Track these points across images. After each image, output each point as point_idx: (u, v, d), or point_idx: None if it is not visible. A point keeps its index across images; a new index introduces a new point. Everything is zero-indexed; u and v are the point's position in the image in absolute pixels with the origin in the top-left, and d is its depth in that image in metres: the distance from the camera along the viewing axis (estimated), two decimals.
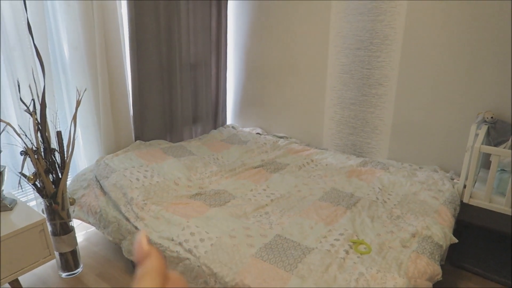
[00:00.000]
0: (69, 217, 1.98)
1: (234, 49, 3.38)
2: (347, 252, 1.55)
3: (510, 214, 1.96)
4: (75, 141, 1.94)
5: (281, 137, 3.17)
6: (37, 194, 2.05)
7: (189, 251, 1.60)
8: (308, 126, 3.13)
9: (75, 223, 2.38)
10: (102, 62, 2.36)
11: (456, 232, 2.13)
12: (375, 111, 2.75)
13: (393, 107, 2.67)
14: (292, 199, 2.05)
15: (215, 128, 3.38)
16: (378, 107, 2.73)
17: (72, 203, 2.14)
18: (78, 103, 1.93)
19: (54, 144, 1.95)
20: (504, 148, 2.18)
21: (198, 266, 1.55)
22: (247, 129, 3.32)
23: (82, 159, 2.54)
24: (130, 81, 2.61)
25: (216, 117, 3.41)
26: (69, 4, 2.22)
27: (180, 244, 1.64)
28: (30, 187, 1.86)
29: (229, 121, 3.60)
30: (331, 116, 2.98)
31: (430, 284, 1.47)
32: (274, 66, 3.19)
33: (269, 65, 3.21)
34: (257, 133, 3.22)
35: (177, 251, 1.62)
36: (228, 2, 3.24)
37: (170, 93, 2.86)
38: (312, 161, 2.63)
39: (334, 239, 1.64)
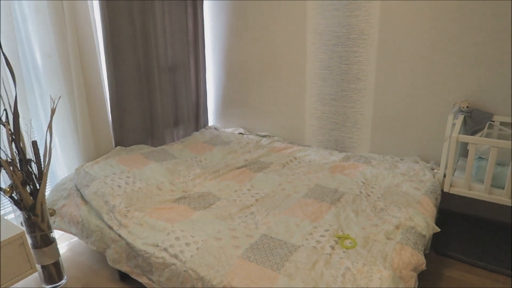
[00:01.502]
0: (49, 229, 1.93)
1: (212, 50, 3.36)
2: (333, 248, 1.56)
3: (509, 205, 1.99)
4: (52, 150, 1.89)
5: (263, 136, 3.16)
6: (15, 207, 1.99)
7: (175, 256, 1.58)
8: (290, 123, 3.14)
9: (57, 234, 2.33)
10: (76, 68, 2.31)
11: (439, 221, 2.17)
12: (355, 105, 2.78)
13: (372, 101, 2.70)
14: (277, 197, 2.05)
15: (197, 130, 3.36)
16: (358, 101, 2.76)
17: (52, 214, 2.08)
18: (53, 111, 1.88)
19: (30, 154, 1.89)
20: (480, 136, 2.23)
21: (185, 270, 1.53)
22: (229, 130, 3.31)
23: (62, 168, 2.48)
24: (107, 86, 2.56)
25: (198, 119, 3.38)
26: (39, 10, 2.16)
27: (165, 249, 1.62)
28: (7, 200, 1.81)
29: (211, 122, 3.57)
30: (312, 112, 2.99)
31: (415, 274, 1.49)
32: (253, 65, 3.18)
33: (249, 64, 3.20)
34: (240, 133, 3.21)
35: (162, 257, 1.60)
36: (204, 2, 3.22)
37: (149, 97, 2.82)
38: (296, 158, 2.64)
39: (320, 236, 1.65)
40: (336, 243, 1.60)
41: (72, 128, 2.40)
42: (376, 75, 2.64)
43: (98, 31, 2.46)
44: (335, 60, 2.76)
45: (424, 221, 1.79)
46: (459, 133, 2.08)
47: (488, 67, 2.27)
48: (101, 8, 2.39)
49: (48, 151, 1.86)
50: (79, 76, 2.33)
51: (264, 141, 2.97)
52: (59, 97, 2.13)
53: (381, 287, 1.34)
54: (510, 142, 1.89)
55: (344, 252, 1.54)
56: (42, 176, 1.85)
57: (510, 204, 1.98)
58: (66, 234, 2.37)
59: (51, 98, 2.05)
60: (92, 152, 2.50)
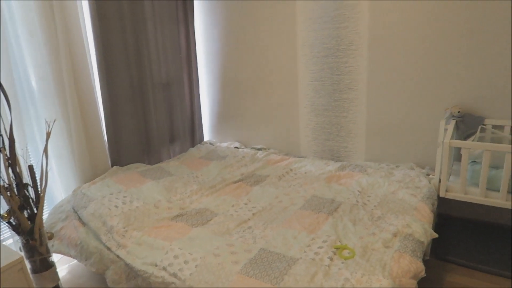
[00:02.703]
0: (48, 252, 1.92)
1: (205, 65, 3.40)
2: (331, 259, 1.56)
3: (505, 207, 2.01)
4: (49, 173, 1.90)
5: (259, 149, 3.18)
6: (13, 232, 1.99)
7: (174, 275, 1.58)
8: (285, 135, 3.16)
9: (56, 257, 2.31)
10: (71, 90, 2.33)
11: (437, 226, 2.18)
12: (348, 115, 2.80)
13: (365, 110, 2.73)
14: (274, 210, 2.06)
15: (192, 146, 3.37)
16: (350, 111, 2.79)
17: (50, 238, 2.08)
18: (48, 134, 1.90)
19: (26, 178, 1.90)
20: (473, 140, 2.26)
21: None
22: (225, 144, 3.32)
23: (59, 190, 2.48)
24: (101, 106, 2.58)
25: (193, 135, 3.40)
26: (32, 34, 2.19)
27: (164, 268, 1.62)
28: (5, 225, 1.80)
29: (206, 137, 3.59)
30: (306, 123, 3.02)
31: (415, 282, 1.49)
32: (246, 79, 3.22)
33: (242, 78, 3.24)
34: (235, 147, 3.23)
35: (162, 276, 1.60)
36: (195, 19, 3.27)
37: (144, 115, 2.85)
38: (292, 170, 2.65)
39: (318, 247, 1.65)
40: (335, 254, 1.60)
41: (68, 150, 2.41)
42: (368, 84, 2.67)
43: (91, 51, 2.50)
44: (326, 71, 2.80)
45: (421, 227, 1.80)
46: (452, 138, 2.11)
47: (478, 72, 2.31)
48: (93, 28, 2.43)
49: (45, 175, 1.87)
50: (73, 97, 2.35)
51: (260, 154, 2.99)
52: (54, 121, 2.15)
53: None
54: (502, 145, 1.91)
55: (342, 263, 1.54)
56: (39, 200, 1.85)
57: (506, 207, 1.99)
58: (65, 257, 2.35)
59: (46, 121, 2.06)
60: (89, 172, 2.51)
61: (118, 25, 2.57)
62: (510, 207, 1.97)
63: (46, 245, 1.91)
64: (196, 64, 3.31)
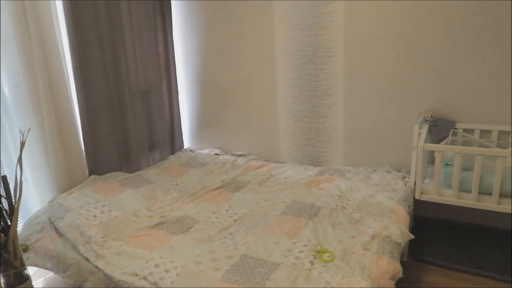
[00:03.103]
0: (23, 266, 1.86)
1: (184, 73, 3.39)
2: (312, 263, 1.58)
3: (476, 207, 2.08)
4: (24, 183, 1.85)
5: (239, 155, 3.19)
6: None
7: (155, 284, 1.56)
8: (265, 141, 3.18)
9: (31, 270, 2.24)
10: (46, 98, 2.29)
11: (414, 228, 2.24)
12: (326, 121, 2.86)
13: (343, 115, 2.79)
14: (255, 216, 2.07)
15: (172, 154, 3.35)
16: (329, 116, 2.84)
17: (25, 250, 2.02)
18: (23, 144, 1.85)
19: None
20: (445, 143, 2.34)
21: None
22: (205, 151, 3.32)
23: (34, 202, 2.42)
24: (78, 115, 2.54)
25: (173, 142, 3.38)
26: (5, 41, 2.14)
27: (144, 278, 1.60)
28: None
29: (186, 144, 3.58)
30: (285, 129, 3.05)
31: (393, 283, 1.53)
32: (226, 86, 3.23)
33: (221, 85, 3.25)
34: (216, 154, 3.23)
35: (142, 286, 1.57)
36: (173, 26, 3.27)
37: (122, 123, 2.81)
38: (272, 176, 2.67)
39: (299, 252, 1.67)
40: (315, 257, 1.63)
41: (43, 160, 2.36)
42: (345, 90, 2.73)
43: (67, 59, 2.46)
44: (305, 77, 2.85)
45: (398, 229, 1.85)
46: (426, 141, 2.18)
47: (449, 78, 2.40)
48: (69, 35, 2.39)
49: (19, 186, 1.82)
50: (49, 106, 2.30)
51: (240, 160, 3.00)
52: (29, 130, 2.10)
53: None
54: (473, 148, 1.99)
55: (323, 266, 1.56)
56: (13, 211, 1.80)
57: (477, 207, 2.06)
58: (41, 270, 2.28)
59: (20, 131, 2.01)
60: (66, 183, 2.45)
61: (94, 32, 2.54)
62: (480, 208, 2.05)
63: (21, 258, 1.85)
64: (175, 71, 3.30)
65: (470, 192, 2.08)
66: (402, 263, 1.67)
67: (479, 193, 2.06)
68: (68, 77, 2.46)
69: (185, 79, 3.41)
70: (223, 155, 3.21)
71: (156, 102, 3.16)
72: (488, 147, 2.25)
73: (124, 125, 2.82)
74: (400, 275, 1.60)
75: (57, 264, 1.93)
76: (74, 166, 2.52)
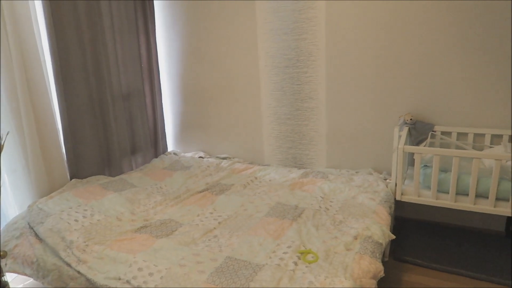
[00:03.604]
0: (1, 272, 1.81)
1: (168, 76, 3.38)
2: (296, 264, 1.60)
3: (454, 208, 2.14)
4: (1, 188, 1.81)
5: (224, 158, 3.19)
6: None
7: (138, 287, 1.55)
8: (249, 144, 3.20)
9: (10, 277, 2.19)
10: (25, 101, 2.24)
11: (395, 228, 2.29)
12: (309, 123, 2.89)
13: (325, 118, 2.84)
14: (240, 218, 2.07)
15: (156, 157, 3.32)
16: (311, 119, 2.88)
17: (3, 256, 1.96)
18: (1, 147, 1.81)
19: None
20: (424, 145, 2.41)
21: None
22: (189, 154, 3.31)
23: (12, 206, 2.36)
24: (59, 118, 2.49)
25: (156, 146, 3.36)
26: None
27: (128, 282, 1.58)
28: None
29: (170, 147, 3.56)
30: (269, 132, 3.08)
31: (375, 282, 1.56)
32: (209, 90, 3.23)
33: (205, 88, 3.25)
34: (200, 157, 3.22)
35: None
36: (156, 29, 3.26)
37: (104, 126, 2.78)
38: (256, 178, 2.69)
39: (283, 253, 1.69)
40: (299, 258, 1.65)
41: (22, 163, 2.30)
42: (327, 93, 2.78)
43: (47, 61, 2.41)
44: (287, 81, 2.88)
45: (380, 229, 1.89)
46: (405, 143, 2.24)
47: (428, 82, 2.48)
48: (49, 37, 2.35)
49: None
50: (28, 108, 2.26)
51: (225, 163, 3.00)
52: (7, 133, 2.05)
53: None
54: (450, 150, 2.06)
55: (306, 267, 1.58)
56: None
57: (454, 207, 2.13)
58: (20, 276, 2.23)
59: None
60: (46, 187, 2.40)
61: (74, 35, 2.51)
62: (457, 208, 2.12)
63: None
64: (158, 74, 3.28)
65: (448, 193, 2.14)
66: (384, 262, 1.71)
67: (457, 193, 2.12)
68: (48, 80, 2.42)
69: (169, 82, 3.40)
70: (207, 158, 3.20)
71: (139, 105, 3.13)
72: (464, 149, 2.32)
73: (106, 129, 2.78)
74: (382, 274, 1.63)
75: (37, 270, 1.89)
76: (54, 170, 2.47)
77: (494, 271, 2.12)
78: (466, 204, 2.10)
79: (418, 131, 2.50)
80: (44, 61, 2.39)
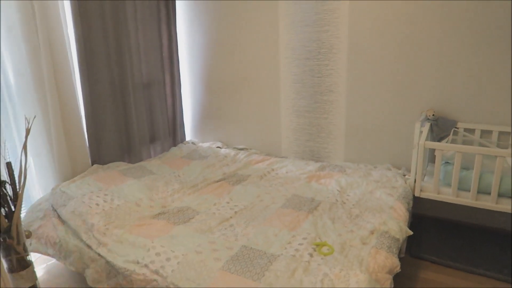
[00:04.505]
0: (26, 251, 1.89)
1: (188, 66, 3.40)
2: (311, 255, 1.61)
3: (474, 206, 2.10)
4: (27, 171, 1.87)
5: (241, 149, 3.21)
6: None
7: (156, 272, 1.58)
8: (266, 136, 3.20)
9: (34, 256, 2.27)
10: (51, 87, 2.30)
11: (412, 225, 2.26)
12: (328, 116, 2.87)
13: (344, 112, 2.81)
14: (256, 209, 2.09)
15: (174, 146, 3.37)
16: (331, 112, 2.86)
17: (28, 236, 2.04)
18: (28, 131, 1.87)
19: (4, 176, 1.86)
20: (446, 142, 2.36)
21: (166, 286, 1.54)
22: (206, 144, 3.34)
23: (36, 189, 2.44)
24: (82, 104, 2.55)
25: (175, 134, 3.40)
26: (11, 30, 2.15)
27: (146, 266, 1.62)
28: None
29: (188, 137, 3.59)
30: (287, 124, 3.07)
31: (390, 277, 1.55)
32: (229, 81, 3.24)
33: (224, 79, 3.26)
34: (217, 147, 3.25)
35: (143, 274, 1.60)
36: (177, 20, 3.27)
37: (125, 114, 2.83)
38: (273, 170, 2.69)
39: (298, 244, 1.69)
40: (314, 250, 1.65)
41: (47, 148, 2.38)
42: (347, 87, 2.75)
43: (72, 48, 2.47)
44: (308, 73, 2.86)
45: (397, 225, 1.87)
46: (427, 140, 2.20)
47: (452, 77, 2.42)
48: (75, 26, 2.40)
49: (24, 172, 1.84)
50: (53, 94, 2.32)
51: (242, 154, 3.02)
52: (34, 117, 2.12)
53: None
54: (473, 147, 2.01)
55: (322, 258, 1.59)
56: (17, 197, 1.82)
57: (475, 206, 2.09)
58: (43, 256, 2.31)
59: (25, 118, 2.03)
60: (68, 171, 2.47)
61: (99, 23, 2.55)
62: (478, 207, 2.07)
63: (24, 243, 1.87)
64: (178, 64, 3.31)
65: (469, 191, 2.10)
66: (400, 259, 1.69)
67: (478, 192, 2.08)
68: (73, 68, 2.48)
69: (189, 72, 3.42)
70: (224, 148, 3.23)
71: (159, 94, 3.17)
72: (488, 147, 2.27)
73: (127, 116, 2.84)
74: (398, 269, 1.62)
75: (59, 250, 1.95)
76: (77, 155, 2.54)
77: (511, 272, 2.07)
78: (488, 203, 2.05)
79: (440, 128, 2.45)
80: (70, 49, 2.45)
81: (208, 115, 3.45)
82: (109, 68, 2.66)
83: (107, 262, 1.72)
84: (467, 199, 2.10)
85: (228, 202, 2.19)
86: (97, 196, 2.13)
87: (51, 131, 2.36)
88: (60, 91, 2.39)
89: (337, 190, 2.29)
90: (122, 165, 2.67)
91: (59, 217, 2.07)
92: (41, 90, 2.29)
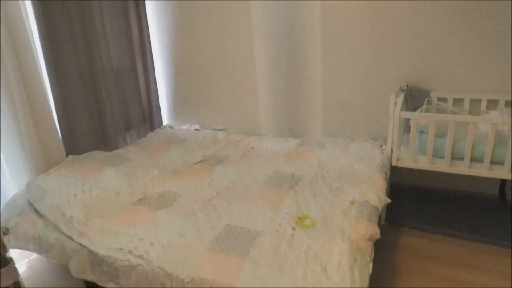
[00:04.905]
0: (4, 249, 1.84)
1: (160, 51, 3.32)
2: (294, 229, 1.63)
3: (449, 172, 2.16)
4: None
5: (219, 130, 3.19)
6: None
7: (140, 257, 1.58)
8: (244, 115, 3.19)
9: (15, 252, 2.22)
10: (16, 81, 2.20)
11: (390, 194, 2.32)
12: (305, 93, 2.87)
13: (320, 88, 2.82)
14: (237, 188, 2.09)
15: (151, 131, 3.31)
16: (307, 89, 2.86)
17: (6, 233, 1.98)
18: None
19: None
20: (420, 112, 2.41)
21: (152, 270, 1.53)
22: (184, 127, 3.30)
23: (10, 185, 2.36)
24: (51, 96, 2.46)
25: (151, 120, 3.34)
26: None
27: (130, 252, 1.61)
28: None
29: (165, 122, 3.54)
30: (265, 103, 3.06)
31: (371, 244, 1.60)
32: (203, 62, 3.19)
33: (199, 61, 3.20)
34: (196, 129, 3.21)
35: (128, 260, 1.59)
36: (146, 4, 3.16)
37: (97, 103, 2.75)
38: (252, 148, 2.69)
39: (281, 219, 1.72)
40: (297, 223, 1.67)
41: (17, 143, 2.29)
42: (322, 63, 2.74)
43: (36, 41, 2.36)
44: (282, 51, 2.83)
45: (376, 194, 1.92)
46: (401, 110, 2.23)
47: (424, 48, 2.44)
48: (36, 13, 2.29)
49: None
50: (19, 87, 2.22)
51: (221, 135, 3.00)
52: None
53: (340, 260, 1.43)
54: (446, 115, 2.06)
55: (304, 231, 1.62)
56: None
57: (449, 171, 2.15)
58: (24, 252, 2.27)
59: None
60: (42, 164, 2.40)
61: (63, 11, 2.43)
62: (452, 172, 2.14)
63: (2, 241, 1.82)
64: (150, 48, 3.22)
65: (443, 158, 2.16)
66: (380, 227, 1.74)
67: (452, 158, 2.14)
68: (38, 58, 2.37)
69: (161, 56, 3.33)
70: (203, 130, 3.20)
71: (131, 80, 3.09)
72: (460, 114, 2.33)
73: (99, 105, 2.76)
74: (378, 236, 1.67)
75: (40, 245, 1.91)
76: (50, 147, 2.47)
77: (486, 233, 2.17)
78: (462, 168, 2.12)
79: (414, 98, 2.49)
80: (33, 37, 2.33)
81: (185, 98, 3.39)
82: (77, 57, 2.57)
83: (90, 251, 1.70)
84: (442, 166, 2.17)
85: (209, 184, 2.18)
86: (75, 188, 2.09)
87: (20, 126, 2.27)
88: (27, 83, 2.30)
89: (317, 164, 2.31)
90: (99, 155, 2.61)
91: (36, 211, 2.02)
92: (6, 84, 2.19)
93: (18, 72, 2.22)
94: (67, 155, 2.58)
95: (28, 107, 2.29)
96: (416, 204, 2.51)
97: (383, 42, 2.53)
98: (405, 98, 2.45)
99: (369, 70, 2.63)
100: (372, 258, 1.56)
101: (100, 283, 1.75)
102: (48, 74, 2.41)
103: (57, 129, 2.51)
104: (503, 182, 2.53)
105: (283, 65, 2.87)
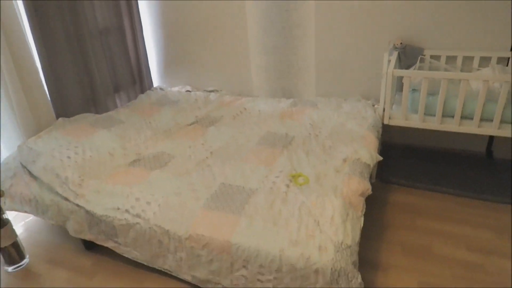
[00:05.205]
0: (0, 210, 1.86)
1: (148, 11, 3.19)
2: (288, 186, 1.67)
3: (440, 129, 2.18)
4: None
5: (211, 91, 3.15)
6: None
7: (138, 215, 1.61)
8: (236, 76, 3.14)
9: (12, 214, 2.25)
10: (0, 43, 2.12)
11: (382, 153, 2.36)
12: (297, 52, 2.83)
13: (313, 47, 2.76)
14: (231, 148, 2.11)
15: (142, 93, 3.26)
16: (300, 48, 2.81)
17: (1, 195, 2.00)
18: None
19: None
20: (414, 69, 2.39)
21: (150, 227, 1.57)
22: (176, 89, 3.25)
23: (1, 148, 2.34)
24: (37, 57, 2.39)
25: (142, 82, 3.28)
26: None
27: (127, 211, 1.64)
28: None
29: (155, 83, 3.48)
30: (257, 63, 3.01)
31: (363, 199, 1.65)
32: (193, 22, 3.08)
33: (188, 21, 3.10)
34: (187, 91, 3.17)
35: (125, 219, 1.62)
36: None
37: (84, 64, 2.67)
38: (245, 109, 2.68)
39: (275, 177, 1.75)
40: (290, 181, 1.71)
41: (6, 106, 2.24)
42: (316, 20, 2.68)
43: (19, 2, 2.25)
44: (275, 8, 2.75)
45: (368, 152, 1.95)
46: (395, 68, 2.22)
47: (417, 5, 2.39)
48: None
49: None
50: (4, 50, 2.14)
51: (213, 96, 2.97)
52: None
53: (333, 214, 1.47)
54: (438, 72, 2.05)
55: (298, 188, 1.65)
56: None
57: (440, 129, 2.18)
58: (20, 214, 2.29)
59: None
60: (32, 127, 2.37)
61: None
62: (443, 129, 2.17)
63: None
64: (137, 7, 3.10)
65: (434, 115, 2.18)
66: (371, 184, 1.78)
67: (443, 116, 2.16)
68: (21, 20, 2.27)
69: (150, 17, 3.21)
70: (194, 91, 3.16)
71: (119, 40, 2.99)
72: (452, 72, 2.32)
73: (87, 66, 2.68)
74: (369, 192, 1.72)
75: (36, 207, 1.93)
76: (39, 110, 2.42)
77: (473, 188, 2.25)
78: (451, 125, 2.15)
79: (408, 56, 2.47)
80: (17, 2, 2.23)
81: (175, 59, 3.31)
82: (61, 17, 2.46)
83: (87, 212, 1.72)
84: (432, 123, 2.19)
85: (203, 144, 2.19)
86: (68, 149, 2.07)
87: (8, 89, 2.21)
88: (11, 45, 2.21)
89: (310, 124, 2.32)
90: (90, 117, 2.58)
91: (30, 174, 2.01)
92: None
93: (3, 36, 2.14)
94: (57, 118, 2.54)
95: (15, 71, 2.22)
96: (406, 163, 2.57)
97: None
98: (399, 56, 2.43)
99: (363, 28, 2.58)
100: (363, 213, 1.61)
101: (98, 242, 1.79)
102: (33, 35, 2.32)
103: (45, 92, 2.46)
104: (490, 140, 2.58)
105: (275, 23, 2.80)
